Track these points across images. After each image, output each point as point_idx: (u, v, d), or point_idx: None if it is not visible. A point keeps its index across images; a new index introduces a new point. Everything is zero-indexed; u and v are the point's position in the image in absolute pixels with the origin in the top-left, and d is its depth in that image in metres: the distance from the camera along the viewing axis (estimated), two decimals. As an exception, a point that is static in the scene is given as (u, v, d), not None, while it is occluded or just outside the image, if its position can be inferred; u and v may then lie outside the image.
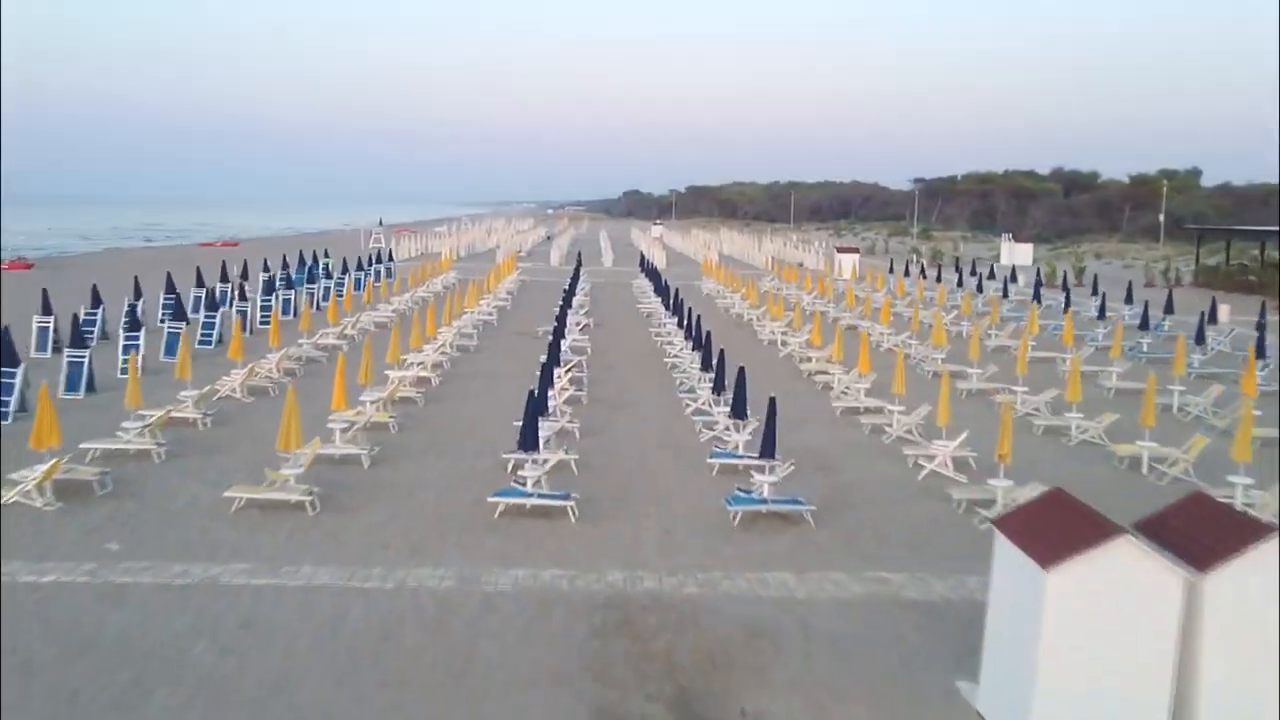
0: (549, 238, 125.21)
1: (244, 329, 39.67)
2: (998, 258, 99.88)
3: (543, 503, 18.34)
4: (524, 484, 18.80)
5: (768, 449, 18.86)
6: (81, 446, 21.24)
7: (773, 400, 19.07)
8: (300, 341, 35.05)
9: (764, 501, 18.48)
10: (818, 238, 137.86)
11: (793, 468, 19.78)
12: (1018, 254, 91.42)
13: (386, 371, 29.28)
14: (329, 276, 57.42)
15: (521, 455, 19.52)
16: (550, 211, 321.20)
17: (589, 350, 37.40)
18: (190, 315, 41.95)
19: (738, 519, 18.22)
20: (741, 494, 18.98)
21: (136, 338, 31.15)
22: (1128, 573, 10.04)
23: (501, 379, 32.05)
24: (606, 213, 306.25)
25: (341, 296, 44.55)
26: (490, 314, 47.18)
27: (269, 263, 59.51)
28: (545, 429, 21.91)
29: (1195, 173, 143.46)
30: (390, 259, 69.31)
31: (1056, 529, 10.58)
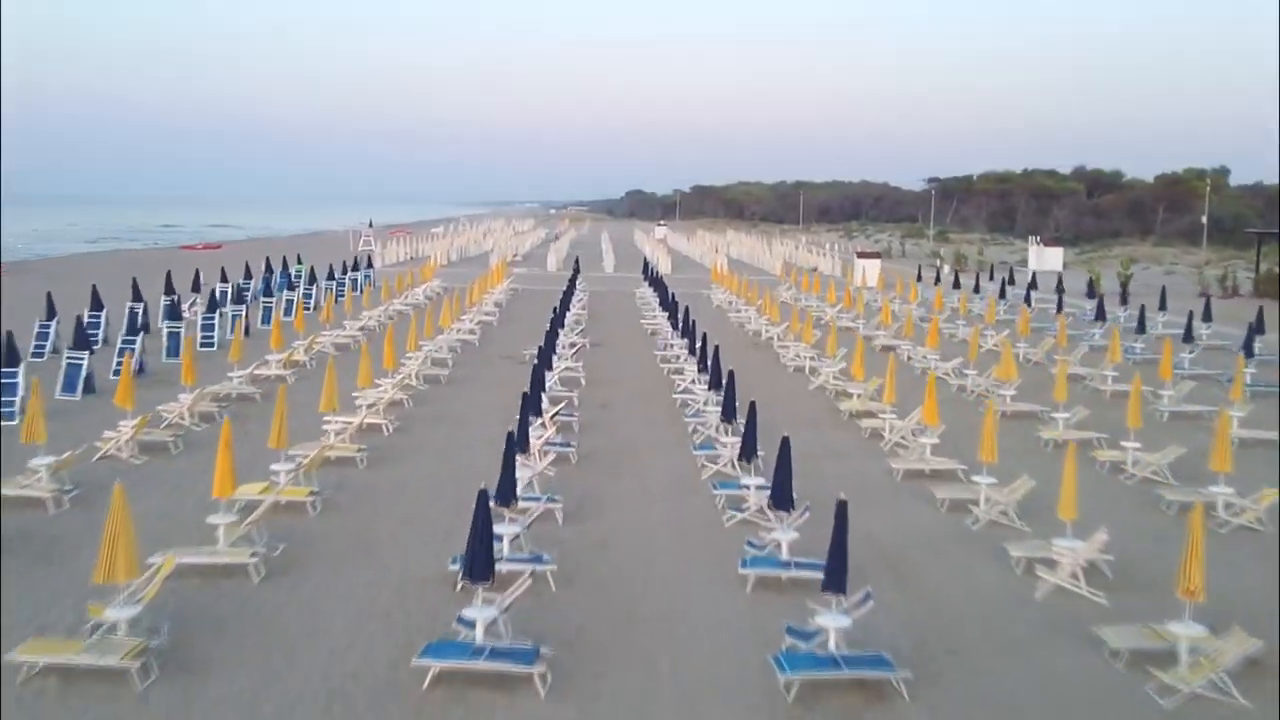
0: (557, 237, 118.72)
1: (175, 354, 33.68)
2: (1023, 262, 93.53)
3: (496, 667, 12.10)
4: (471, 626, 12.58)
5: (835, 578, 12.62)
6: None
7: (843, 505, 12.83)
8: (231, 374, 28.80)
9: (834, 664, 12.23)
10: (829, 239, 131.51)
11: (871, 601, 13.48)
12: (1046, 258, 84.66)
13: (325, 423, 22.97)
14: (292, 288, 51.16)
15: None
16: (552, 212, 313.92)
17: (582, 381, 31.17)
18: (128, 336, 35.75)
19: (794, 691, 11.98)
20: (796, 642, 12.76)
21: (14, 375, 24.91)
22: None
23: (473, 424, 25.82)
24: (609, 213, 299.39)
25: (306, 310, 38.27)
26: (473, 332, 40.91)
27: (228, 272, 53.39)
28: (512, 526, 15.70)
29: (1224, 171, 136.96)
30: (369, 265, 62.90)
31: None
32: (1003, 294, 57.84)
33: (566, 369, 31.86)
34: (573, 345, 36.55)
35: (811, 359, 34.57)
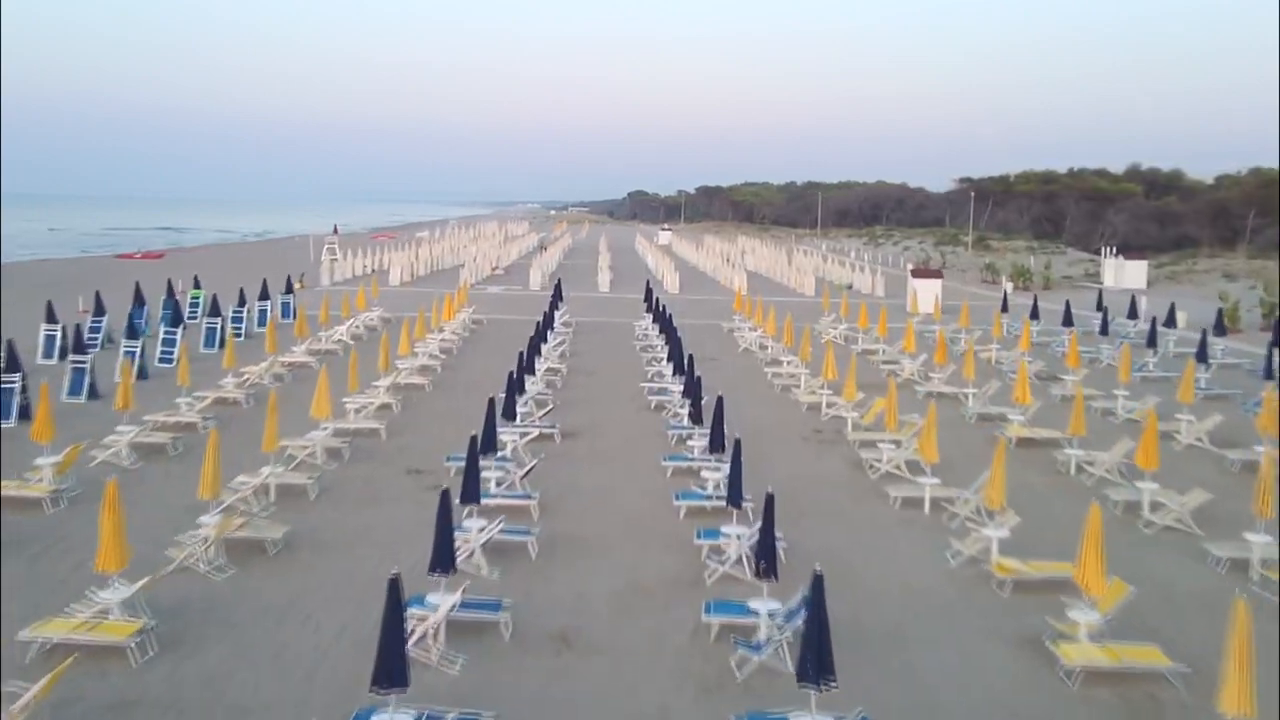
0: (544, 248, 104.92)
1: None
2: (1090, 275, 79.75)
3: None
4: None
5: None
6: None
7: None
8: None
9: None
10: (851, 246, 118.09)
11: None
12: (1127, 275, 70.86)
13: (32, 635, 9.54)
14: (176, 323, 37.45)
15: None
16: (552, 213, 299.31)
17: (533, 545, 17.19)
18: None
19: None
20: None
21: None
22: None
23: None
24: (610, 214, 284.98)
25: (166, 362, 24.62)
26: (385, 409, 27.21)
27: (97, 298, 40.02)
28: None
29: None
30: (287, 290, 48.51)
31: None
32: (1104, 329, 44.27)
33: (510, 498, 18.55)
34: (526, 437, 23.06)
35: (936, 486, 20.10)
